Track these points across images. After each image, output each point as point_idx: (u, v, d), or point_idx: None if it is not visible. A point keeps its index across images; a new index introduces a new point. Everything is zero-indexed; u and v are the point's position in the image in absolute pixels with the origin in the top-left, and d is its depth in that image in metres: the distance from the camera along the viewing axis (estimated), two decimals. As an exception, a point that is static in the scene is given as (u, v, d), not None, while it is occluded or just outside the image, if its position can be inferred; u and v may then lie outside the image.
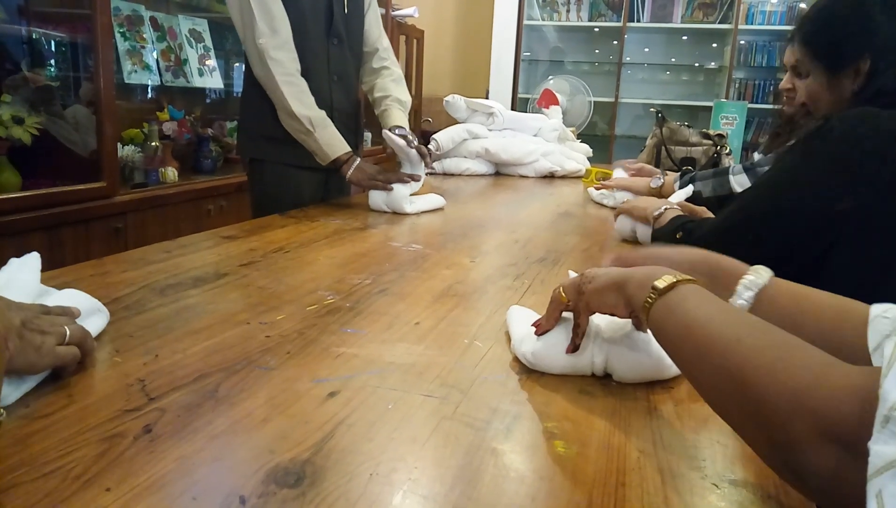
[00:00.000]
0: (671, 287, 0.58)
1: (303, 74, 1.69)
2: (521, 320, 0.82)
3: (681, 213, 1.31)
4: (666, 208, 1.32)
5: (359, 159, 1.70)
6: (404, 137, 1.75)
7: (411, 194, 1.71)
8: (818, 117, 1.12)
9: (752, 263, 0.78)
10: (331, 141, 1.67)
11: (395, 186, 1.66)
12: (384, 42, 1.98)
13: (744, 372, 0.49)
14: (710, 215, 1.36)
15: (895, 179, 0.91)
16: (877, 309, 0.67)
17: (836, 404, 0.43)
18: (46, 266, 0.83)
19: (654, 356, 0.70)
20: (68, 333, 0.65)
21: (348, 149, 1.69)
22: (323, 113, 1.67)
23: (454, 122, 2.62)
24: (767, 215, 1.02)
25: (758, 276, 0.72)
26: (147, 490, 0.48)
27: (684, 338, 0.55)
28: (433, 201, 1.74)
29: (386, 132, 1.76)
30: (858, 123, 0.94)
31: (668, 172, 1.97)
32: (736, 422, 0.51)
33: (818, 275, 0.77)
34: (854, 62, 1.02)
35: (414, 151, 1.73)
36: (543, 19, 5.52)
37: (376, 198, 1.68)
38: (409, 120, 1.93)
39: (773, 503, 0.52)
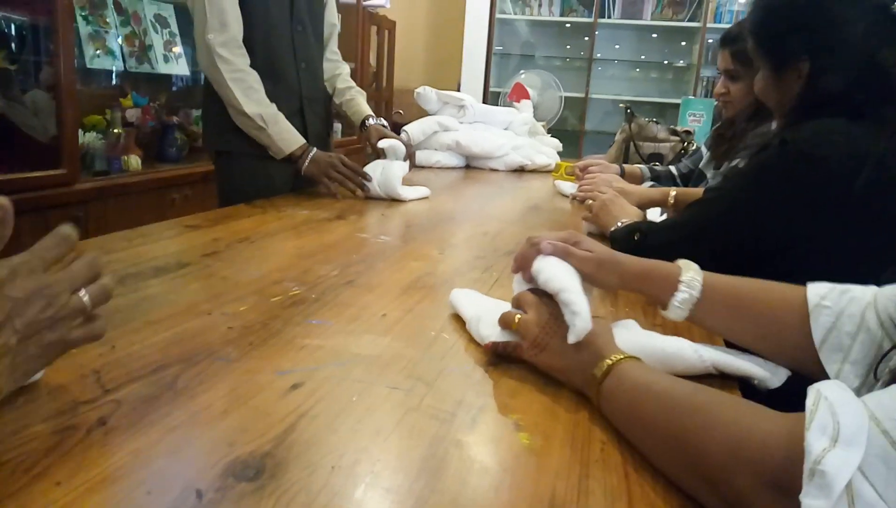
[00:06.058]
0: (607, 373, 0.61)
1: (271, 63, 1.67)
2: (471, 301, 0.84)
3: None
4: (622, 223, 1.28)
5: (314, 151, 1.69)
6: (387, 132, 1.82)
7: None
8: (765, 131, 1.10)
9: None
10: (283, 136, 1.66)
11: (389, 168, 1.68)
12: (339, 29, 1.99)
13: (684, 436, 0.52)
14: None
15: (862, 201, 0.88)
16: (814, 295, 0.68)
17: (768, 451, 0.45)
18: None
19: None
20: (88, 302, 0.53)
21: (302, 142, 1.68)
22: (274, 108, 1.65)
23: (425, 114, 2.60)
24: (720, 241, 1.00)
25: (694, 271, 0.74)
26: (100, 484, 0.46)
27: (630, 418, 0.59)
28: (420, 191, 1.77)
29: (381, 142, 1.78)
30: (817, 142, 0.91)
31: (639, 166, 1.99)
32: (689, 486, 0.52)
33: None
34: (794, 62, 0.99)
35: (400, 144, 1.77)
36: (515, 13, 5.52)
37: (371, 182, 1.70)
38: (380, 112, 1.94)
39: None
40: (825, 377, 0.64)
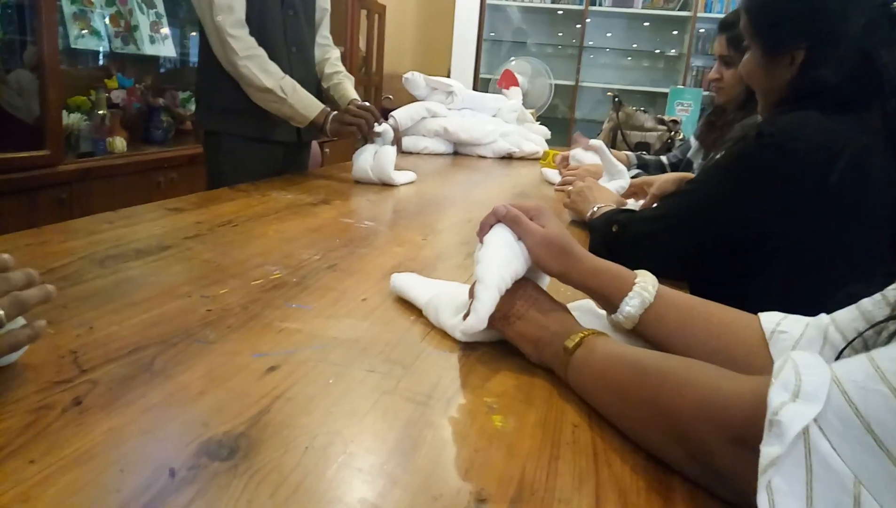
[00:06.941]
0: (578, 344, 0.63)
1: (261, 47, 1.67)
2: (420, 285, 0.85)
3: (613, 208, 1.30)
4: (598, 207, 1.28)
5: (333, 112, 1.72)
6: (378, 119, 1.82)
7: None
8: (751, 123, 1.08)
9: (678, 269, 0.76)
10: (304, 102, 1.69)
11: (382, 153, 1.69)
12: (329, 13, 2.00)
13: (657, 398, 0.54)
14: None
15: (837, 196, 0.89)
16: (769, 323, 0.67)
17: (733, 408, 0.47)
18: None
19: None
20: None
21: (322, 106, 1.71)
22: (289, 78, 1.68)
23: (415, 99, 2.60)
24: (697, 232, 1.00)
25: (650, 279, 0.73)
26: (73, 463, 0.47)
27: (601, 385, 0.61)
28: (408, 176, 1.79)
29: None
30: (792, 135, 0.91)
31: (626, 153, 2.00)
32: (658, 446, 0.54)
33: (746, 292, 0.76)
34: (789, 49, 0.98)
35: (389, 129, 1.78)
36: (507, -1, 5.50)
37: (363, 165, 1.70)
38: (370, 97, 1.94)
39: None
40: None
